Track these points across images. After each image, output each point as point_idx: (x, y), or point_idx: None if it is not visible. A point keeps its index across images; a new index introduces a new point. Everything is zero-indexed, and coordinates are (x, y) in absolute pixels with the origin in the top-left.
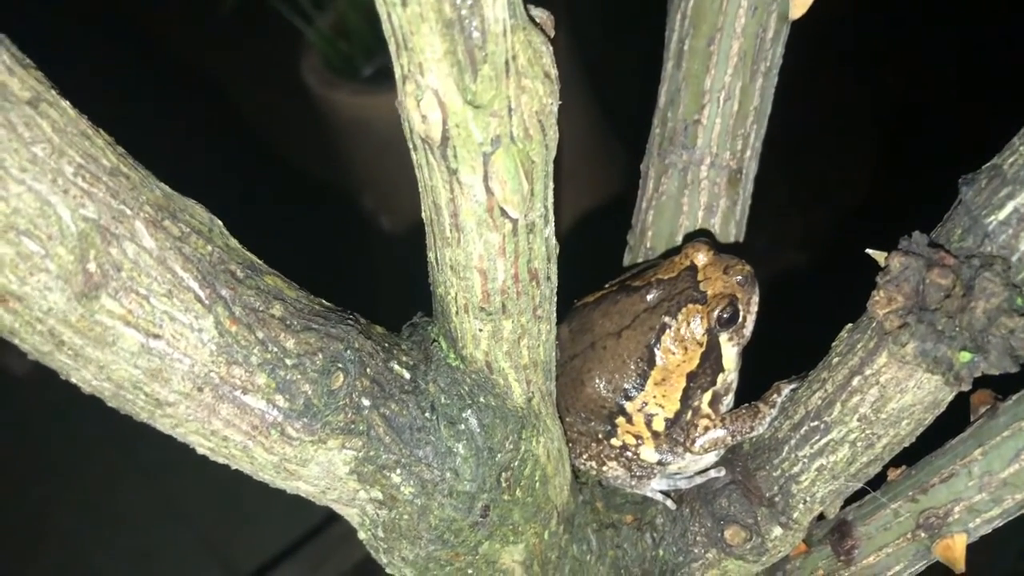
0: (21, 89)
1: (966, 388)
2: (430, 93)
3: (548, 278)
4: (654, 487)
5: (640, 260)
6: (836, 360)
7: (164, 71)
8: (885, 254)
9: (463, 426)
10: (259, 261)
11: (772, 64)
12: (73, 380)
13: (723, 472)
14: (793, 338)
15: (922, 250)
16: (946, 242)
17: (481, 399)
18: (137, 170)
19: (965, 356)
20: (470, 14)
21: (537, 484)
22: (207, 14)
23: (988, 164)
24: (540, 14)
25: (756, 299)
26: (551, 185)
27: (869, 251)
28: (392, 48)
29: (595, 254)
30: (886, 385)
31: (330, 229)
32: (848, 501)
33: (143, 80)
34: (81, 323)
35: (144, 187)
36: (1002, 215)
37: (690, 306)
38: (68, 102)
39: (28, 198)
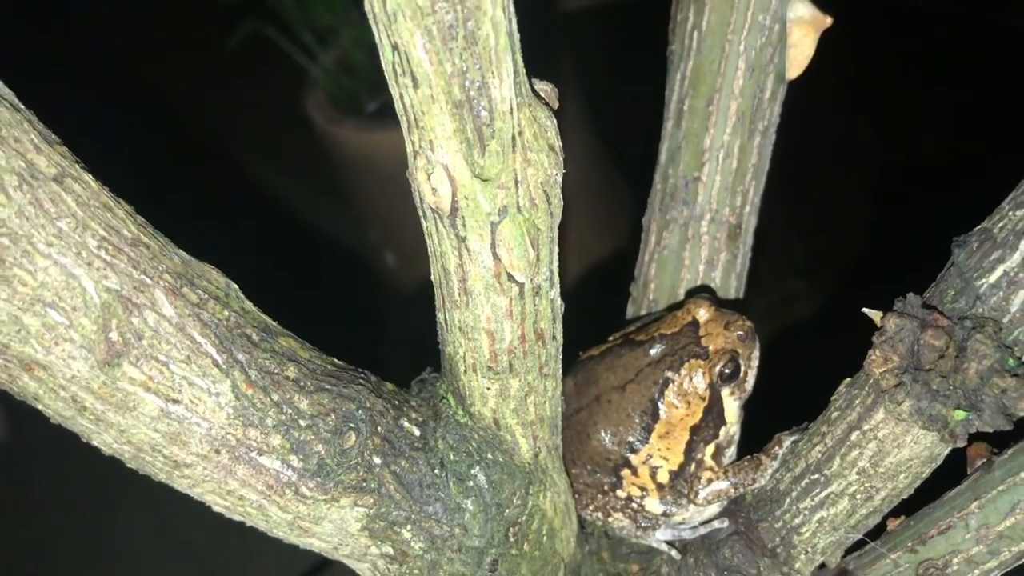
0: (48, 166)
1: (961, 444)
2: (440, 168)
3: (554, 337)
4: (659, 537)
5: (643, 312)
6: (835, 414)
7: (170, 107)
8: (881, 314)
9: (472, 482)
10: (273, 323)
11: (770, 123)
12: (94, 443)
13: (726, 523)
14: (794, 389)
15: (916, 311)
16: (939, 303)
17: (489, 455)
18: (156, 239)
19: (959, 414)
20: (478, 95)
21: (544, 538)
22: (214, 51)
23: (979, 227)
24: (544, 87)
25: (757, 354)
26: (556, 250)
27: (866, 310)
28: (404, 126)
29: (599, 299)
30: (884, 440)
31: (337, 263)
32: (849, 551)
33: (149, 117)
34: (103, 390)
35: (163, 255)
36: (992, 278)
37: (692, 361)
38: (91, 175)
39: (54, 271)
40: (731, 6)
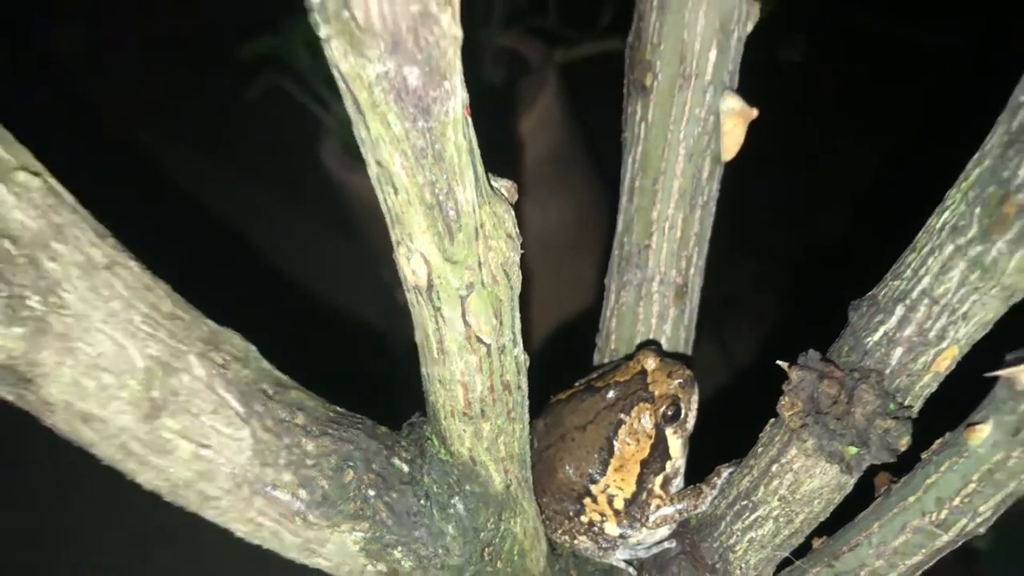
0: (101, 257)
1: (858, 476)
2: (418, 254)
3: (519, 387)
4: (618, 557)
5: (606, 360)
6: (760, 449)
7: (189, 153)
8: (788, 365)
9: (452, 510)
10: (285, 377)
11: (709, 198)
12: (138, 480)
13: (674, 543)
14: (735, 426)
15: (815, 365)
16: (837, 357)
17: (467, 487)
18: (189, 312)
19: (852, 450)
20: (446, 198)
21: (516, 557)
22: (234, 99)
23: (869, 294)
24: (504, 183)
25: (695, 398)
26: (518, 316)
27: (779, 363)
28: (388, 221)
29: (576, 343)
30: (798, 472)
31: (350, 302)
32: (781, 567)
33: (168, 164)
34: (147, 438)
35: (195, 326)
36: (876, 337)
37: (641, 405)
38: (136, 261)
39: (107, 343)
40: (672, 101)
